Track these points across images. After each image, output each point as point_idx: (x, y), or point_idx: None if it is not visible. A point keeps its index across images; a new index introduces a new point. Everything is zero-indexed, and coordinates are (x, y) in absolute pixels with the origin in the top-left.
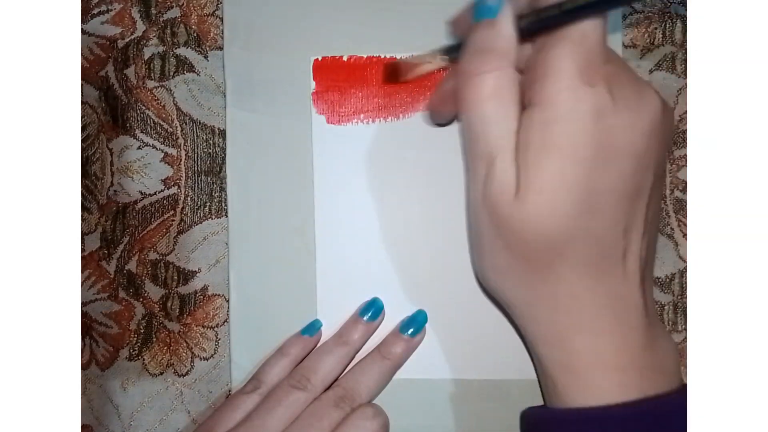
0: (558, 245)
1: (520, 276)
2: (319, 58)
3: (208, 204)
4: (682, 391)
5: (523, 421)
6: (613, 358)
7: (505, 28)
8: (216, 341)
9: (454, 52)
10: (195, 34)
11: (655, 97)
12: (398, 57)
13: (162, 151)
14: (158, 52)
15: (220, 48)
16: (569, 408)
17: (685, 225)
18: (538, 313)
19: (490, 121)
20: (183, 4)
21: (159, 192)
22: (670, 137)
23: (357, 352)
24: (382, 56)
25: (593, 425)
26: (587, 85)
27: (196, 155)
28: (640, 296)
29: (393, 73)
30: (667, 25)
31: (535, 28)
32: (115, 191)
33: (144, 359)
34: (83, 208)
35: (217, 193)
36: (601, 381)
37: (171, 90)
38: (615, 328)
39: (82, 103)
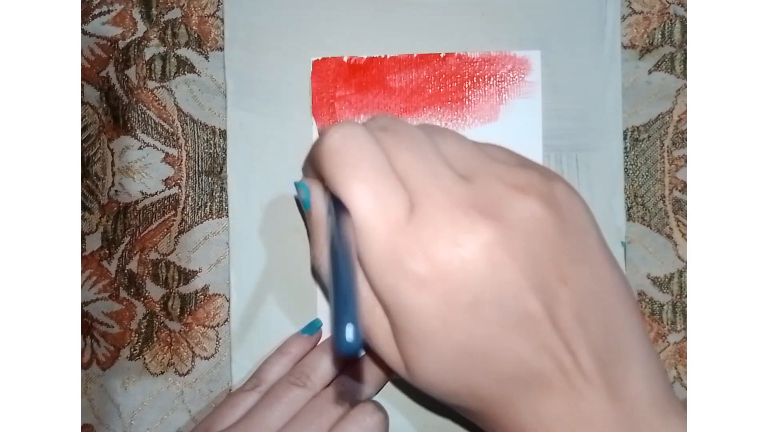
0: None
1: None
2: (319, 59)
3: (209, 204)
4: None
5: None
6: None
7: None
8: (217, 341)
9: None
10: (196, 35)
11: (526, 200)
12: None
13: (163, 152)
14: (159, 53)
15: (221, 49)
16: None
17: (685, 225)
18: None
19: None
20: (184, 5)
21: (160, 192)
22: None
23: None
24: (382, 56)
25: None
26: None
27: (196, 155)
28: (614, 407)
29: None
30: (666, 26)
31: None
32: (116, 191)
33: (145, 359)
34: (84, 208)
35: (217, 193)
36: None
37: (172, 90)
38: None
39: (83, 103)
